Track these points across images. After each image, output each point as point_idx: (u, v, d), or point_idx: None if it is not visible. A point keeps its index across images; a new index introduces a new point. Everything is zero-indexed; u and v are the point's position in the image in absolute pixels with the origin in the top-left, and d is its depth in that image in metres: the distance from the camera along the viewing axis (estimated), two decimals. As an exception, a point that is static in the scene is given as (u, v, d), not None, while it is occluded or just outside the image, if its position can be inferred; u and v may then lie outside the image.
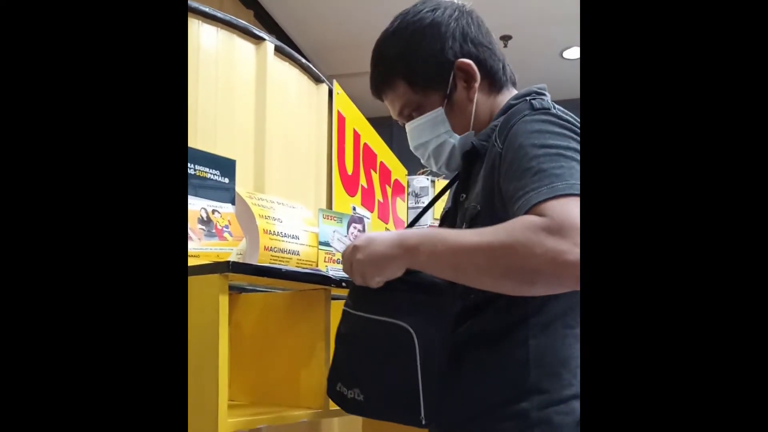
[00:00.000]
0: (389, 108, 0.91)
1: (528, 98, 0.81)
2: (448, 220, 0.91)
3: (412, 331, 0.73)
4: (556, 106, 0.78)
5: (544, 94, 0.83)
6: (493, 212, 0.75)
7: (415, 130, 0.88)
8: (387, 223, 2.42)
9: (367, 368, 0.77)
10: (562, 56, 4.47)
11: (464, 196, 0.86)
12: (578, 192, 0.64)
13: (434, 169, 0.92)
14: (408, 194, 2.72)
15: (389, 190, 2.50)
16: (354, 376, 0.78)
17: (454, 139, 0.86)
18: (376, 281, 0.75)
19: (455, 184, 0.91)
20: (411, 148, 0.91)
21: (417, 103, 0.86)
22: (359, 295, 0.78)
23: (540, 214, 0.65)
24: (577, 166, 0.67)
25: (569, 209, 0.63)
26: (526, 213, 0.67)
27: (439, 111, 0.85)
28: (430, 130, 0.86)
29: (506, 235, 0.66)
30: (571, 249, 0.61)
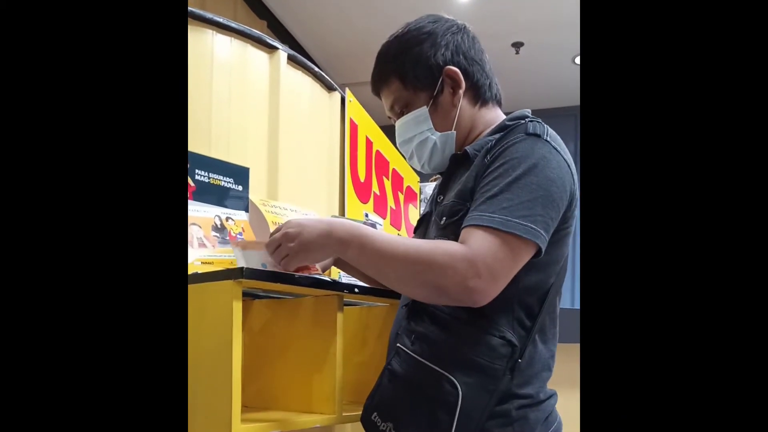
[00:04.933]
0: (384, 104, 0.99)
1: (525, 120, 0.87)
2: (423, 224, 0.99)
3: (459, 389, 0.79)
4: (549, 131, 0.85)
5: (532, 117, 0.90)
6: (465, 211, 0.84)
7: (401, 126, 0.96)
8: (399, 230, 2.42)
9: (406, 408, 0.83)
10: (574, 62, 4.45)
11: (441, 197, 0.92)
12: (511, 229, 0.76)
13: (417, 167, 0.99)
14: (420, 201, 2.72)
15: (401, 197, 2.51)
16: (392, 412, 0.85)
17: (435, 136, 0.94)
18: (296, 266, 0.86)
19: (436, 189, 0.98)
20: (397, 144, 0.99)
21: (406, 100, 0.95)
22: (420, 339, 0.84)
23: (468, 236, 0.78)
24: (530, 198, 0.77)
25: (488, 243, 0.76)
26: (463, 228, 0.80)
27: (423, 109, 0.93)
28: (414, 126, 0.94)
29: (428, 252, 0.77)
30: (473, 277, 0.75)
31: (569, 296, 4.54)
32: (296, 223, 0.85)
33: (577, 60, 4.42)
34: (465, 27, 0.96)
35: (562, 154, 0.83)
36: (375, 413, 0.86)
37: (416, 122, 0.94)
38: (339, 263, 1.04)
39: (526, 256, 0.79)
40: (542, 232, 0.78)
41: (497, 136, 0.87)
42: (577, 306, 4.44)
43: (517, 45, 4.25)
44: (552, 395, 0.89)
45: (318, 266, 1.00)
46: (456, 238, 0.82)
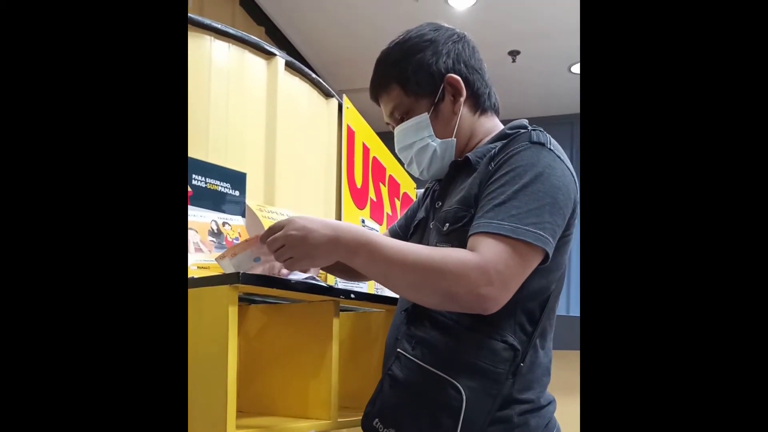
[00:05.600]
0: (383, 110, 0.99)
1: (528, 129, 0.88)
2: (418, 230, 0.99)
3: (463, 393, 0.79)
4: (552, 140, 0.86)
5: (534, 127, 0.91)
6: (469, 217, 0.84)
7: (401, 132, 0.96)
8: (395, 237, 2.42)
9: (408, 414, 0.83)
10: (570, 71, 4.48)
11: (440, 203, 0.93)
12: (521, 236, 0.77)
13: (416, 174, 0.99)
14: (416, 207, 2.72)
15: (398, 203, 2.51)
16: (394, 418, 0.85)
17: (436, 142, 0.94)
18: (298, 269, 0.85)
19: (432, 194, 0.99)
20: (396, 150, 0.99)
21: (407, 107, 0.95)
22: (422, 344, 0.84)
23: (478, 243, 0.78)
24: (538, 206, 0.78)
25: (499, 251, 0.77)
26: (471, 235, 0.80)
27: (424, 116, 0.94)
28: (414, 132, 0.95)
29: (440, 261, 0.77)
30: (485, 285, 0.76)
31: (564, 303, 4.54)
32: (301, 225, 0.82)
33: (573, 68, 4.44)
34: (465, 36, 0.97)
35: (565, 163, 0.84)
36: (377, 419, 0.86)
37: (417, 129, 0.94)
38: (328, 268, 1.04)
39: (534, 262, 0.80)
40: (550, 239, 0.79)
41: (499, 144, 0.87)
42: (572, 313, 4.44)
43: (514, 53, 4.27)
44: (552, 401, 0.89)
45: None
46: (460, 245, 0.82)
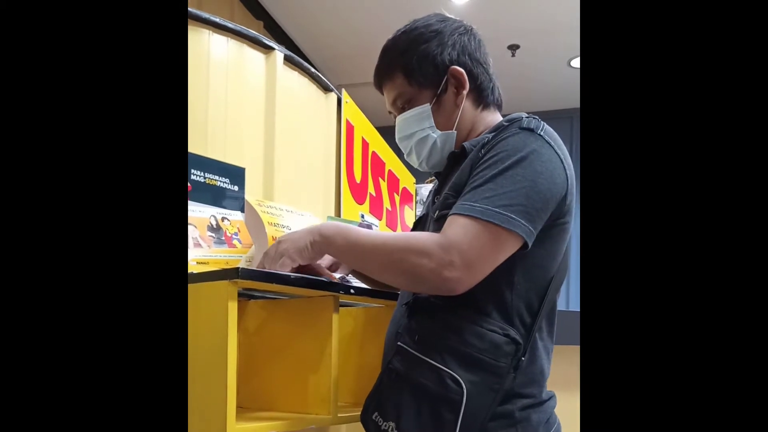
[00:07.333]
0: (386, 98, 0.99)
1: (522, 118, 0.88)
2: (419, 226, 0.99)
3: (464, 387, 0.79)
4: (545, 127, 0.85)
5: (530, 116, 0.91)
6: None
7: (403, 122, 0.97)
8: (395, 231, 2.43)
9: (409, 407, 0.83)
10: (570, 65, 4.47)
11: (438, 197, 0.93)
12: (489, 218, 0.77)
13: (415, 164, 1.00)
14: (416, 202, 2.73)
15: (397, 198, 2.51)
16: (394, 411, 0.84)
17: (436, 134, 0.95)
18: (291, 265, 0.88)
19: (434, 192, 0.99)
20: (396, 139, 0.99)
21: (409, 96, 0.95)
22: (423, 338, 0.84)
23: (447, 224, 0.79)
24: (513, 189, 0.78)
25: (465, 232, 0.77)
26: (448, 217, 0.80)
27: (426, 107, 0.94)
28: (416, 123, 0.95)
29: (405, 242, 0.80)
30: (447, 265, 0.76)
31: (564, 298, 4.55)
32: (284, 234, 0.90)
33: (573, 63, 4.43)
34: (472, 29, 0.97)
35: (555, 149, 0.83)
36: (376, 413, 0.86)
37: (418, 119, 0.94)
38: (356, 273, 1.05)
39: (508, 246, 0.79)
40: (523, 222, 0.78)
41: (494, 133, 0.87)
42: (572, 308, 4.45)
43: (513, 48, 4.26)
44: (552, 396, 0.89)
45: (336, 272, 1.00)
46: None
